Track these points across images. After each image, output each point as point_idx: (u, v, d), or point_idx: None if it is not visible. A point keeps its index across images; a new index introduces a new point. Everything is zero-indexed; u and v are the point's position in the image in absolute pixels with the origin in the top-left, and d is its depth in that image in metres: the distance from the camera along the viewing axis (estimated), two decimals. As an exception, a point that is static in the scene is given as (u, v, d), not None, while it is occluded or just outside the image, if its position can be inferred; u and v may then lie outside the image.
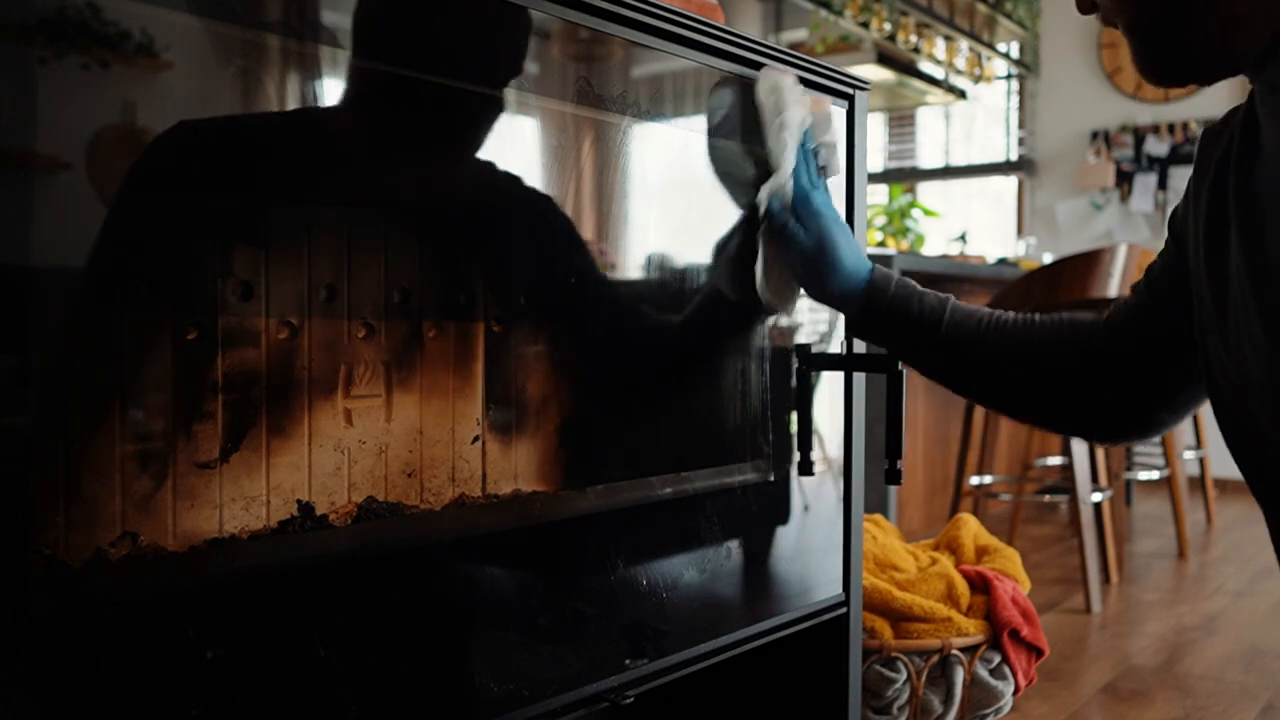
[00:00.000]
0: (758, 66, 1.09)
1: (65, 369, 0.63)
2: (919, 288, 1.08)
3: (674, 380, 1.08)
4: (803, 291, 1.12)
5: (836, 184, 1.21)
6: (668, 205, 1.07)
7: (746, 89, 1.09)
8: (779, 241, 1.08)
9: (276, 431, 0.75)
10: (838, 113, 1.20)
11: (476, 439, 0.89)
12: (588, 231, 0.99)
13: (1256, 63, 0.83)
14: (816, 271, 1.07)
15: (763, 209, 1.08)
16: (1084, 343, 1.03)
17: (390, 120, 0.82)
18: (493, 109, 0.90)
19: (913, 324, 1.07)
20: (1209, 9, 0.84)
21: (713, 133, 1.09)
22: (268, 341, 0.74)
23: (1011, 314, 1.07)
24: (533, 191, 0.93)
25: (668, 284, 1.07)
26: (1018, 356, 1.05)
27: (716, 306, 1.10)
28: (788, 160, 1.07)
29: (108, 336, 0.65)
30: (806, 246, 1.07)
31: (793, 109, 1.07)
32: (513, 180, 0.91)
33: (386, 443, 0.82)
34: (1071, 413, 1.07)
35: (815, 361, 1.19)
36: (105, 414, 0.65)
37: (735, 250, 1.11)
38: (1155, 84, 0.93)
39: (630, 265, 1.04)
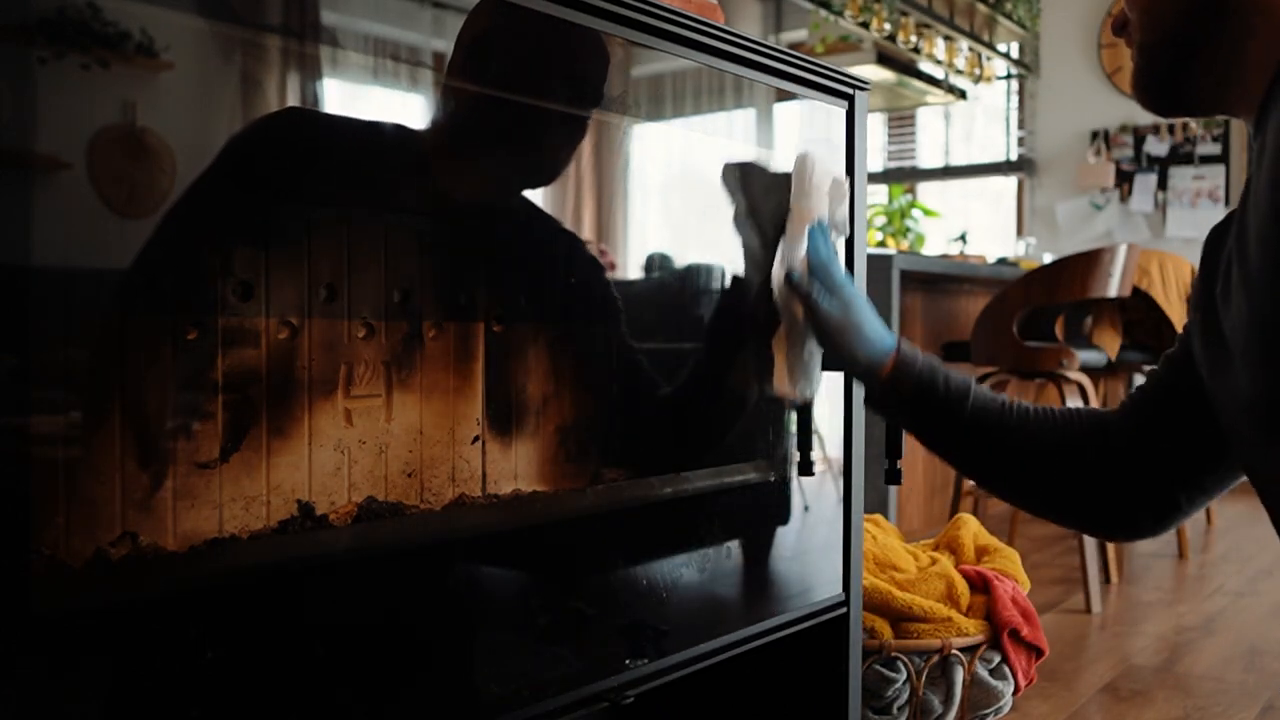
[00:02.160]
0: (758, 67, 1.09)
1: (65, 369, 0.63)
2: (943, 366, 1.06)
3: (674, 380, 1.08)
4: (819, 375, 1.12)
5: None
6: (668, 205, 1.07)
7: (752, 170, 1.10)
8: (806, 310, 1.06)
9: (276, 431, 0.75)
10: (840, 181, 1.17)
11: (476, 439, 0.89)
12: (587, 231, 0.99)
13: (1256, 121, 0.82)
14: (843, 338, 1.05)
15: (780, 278, 1.07)
16: (1101, 431, 1.01)
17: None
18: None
19: (938, 403, 1.04)
20: (1221, 47, 0.83)
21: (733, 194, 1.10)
22: (268, 341, 0.74)
23: (1032, 406, 1.05)
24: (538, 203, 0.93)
25: (668, 284, 1.07)
26: (1040, 448, 1.02)
27: (716, 306, 1.10)
28: (804, 235, 1.08)
29: (108, 336, 0.65)
30: (832, 313, 1.05)
31: (817, 191, 1.09)
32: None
33: (386, 443, 0.82)
34: (1092, 506, 1.03)
35: (815, 361, 1.19)
36: (105, 414, 0.65)
37: (737, 251, 1.11)
38: (1148, 107, 0.91)
39: (630, 265, 1.04)
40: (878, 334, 1.06)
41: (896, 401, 1.06)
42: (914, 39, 4.94)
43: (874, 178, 6.21)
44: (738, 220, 1.10)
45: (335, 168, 0.78)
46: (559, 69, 0.95)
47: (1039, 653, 1.60)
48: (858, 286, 1.11)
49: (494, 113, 0.90)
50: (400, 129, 0.83)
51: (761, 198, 1.10)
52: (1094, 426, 1.02)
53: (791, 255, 1.07)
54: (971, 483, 3.28)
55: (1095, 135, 5.43)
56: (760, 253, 1.11)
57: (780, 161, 1.18)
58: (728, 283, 1.11)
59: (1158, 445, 0.97)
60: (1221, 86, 0.84)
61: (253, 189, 0.73)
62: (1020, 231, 5.90)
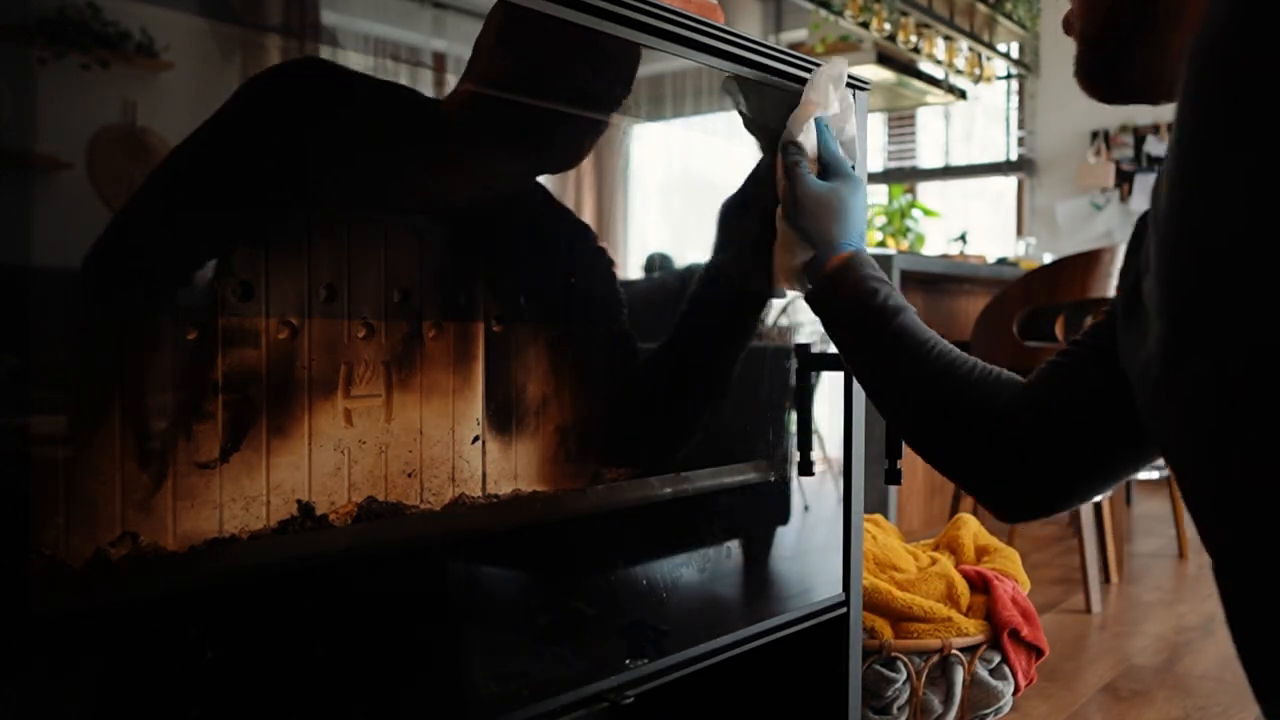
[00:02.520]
0: (758, 67, 1.09)
1: (65, 369, 0.63)
2: (895, 288, 1.04)
3: (674, 380, 1.08)
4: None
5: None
6: (668, 205, 1.07)
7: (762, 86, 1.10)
8: (790, 179, 1.07)
9: (276, 431, 0.75)
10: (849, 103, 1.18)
11: (476, 439, 0.89)
12: (586, 230, 0.99)
13: None
14: (816, 212, 1.05)
15: (780, 146, 1.08)
16: (1009, 395, 0.94)
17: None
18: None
19: (869, 312, 1.00)
20: (1153, 35, 0.82)
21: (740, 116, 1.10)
22: (268, 341, 0.74)
23: (958, 353, 0.99)
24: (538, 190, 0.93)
25: (668, 283, 1.07)
26: (946, 395, 0.96)
27: (716, 306, 1.10)
28: (811, 126, 1.09)
29: (108, 336, 0.65)
30: (816, 187, 1.06)
31: (827, 96, 1.10)
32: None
33: (386, 443, 0.82)
34: (986, 473, 0.96)
35: (815, 361, 1.19)
36: (105, 414, 0.65)
37: (737, 249, 1.11)
38: (1092, 94, 0.89)
39: (631, 265, 1.04)
40: (849, 229, 1.05)
41: (832, 295, 1.03)
42: (914, 39, 4.94)
43: (874, 178, 6.22)
44: (745, 126, 1.10)
45: (352, 125, 0.78)
46: (595, 52, 0.96)
47: (1039, 653, 1.60)
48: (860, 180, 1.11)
49: (522, 90, 0.90)
50: (422, 97, 0.84)
51: (764, 110, 1.11)
52: (1001, 388, 0.95)
53: (798, 130, 1.09)
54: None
55: (1095, 135, 5.43)
56: (754, 192, 1.11)
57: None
58: (718, 271, 1.11)
59: (1068, 420, 0.91)
60: (1157, 73, 0.83)
61: (267, 138, 0.73)
62: (1020, 231, 5.90)
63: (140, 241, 0.67)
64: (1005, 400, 0.93)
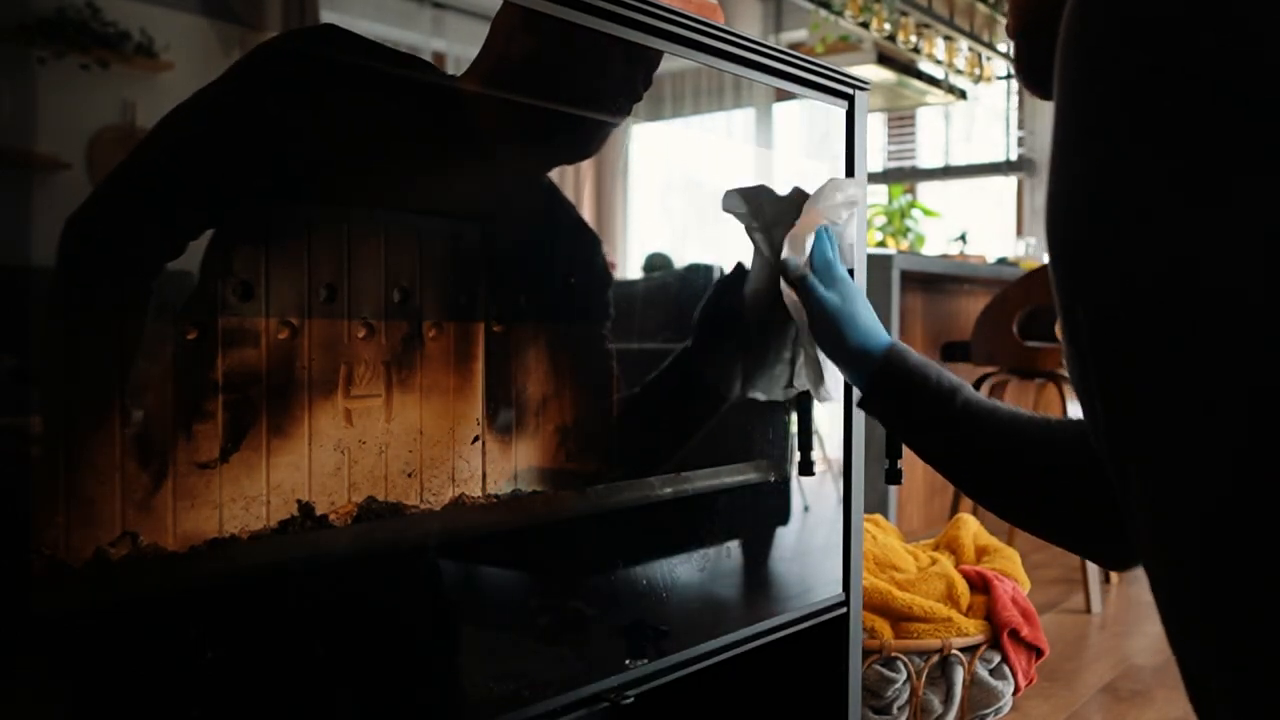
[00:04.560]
0: (758, 67, 1.09)
1: (65, 369, 0.63)
2: (937, 366, 1.04)
3: (674, 380, 1.08)
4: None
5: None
6: (668, 205, 1.07)
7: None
8: (802, 295, 1.06)
9: (276, 431, 0.75)
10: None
11: (476, 439, 0.89)
12: (586, 231, 0.99)
13: None
14: (838, 325, 1.04)
15: (785, 260, 1.07)
16: (1084, 444, 0.92)
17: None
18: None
19: (928, 396, 1.00)
20: None
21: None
22: (268, 341, 0.74)
23: (1024, 410, 0.99)
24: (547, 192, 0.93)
25: (668, 284, 1.07)
26: (1029, 452, 0.95)
27: (716, 306, 1.10)
28: (811, 236, 1.08)
29: (108, 336, 0.65)
30: (827, 300, 1.05)
31: (831, 208, 1.10)
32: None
33: (386, 443, 0.82)
34: (1079, 524, 0.95)
35: (815, 361, 1.19)
36: (105, 414, 0.65)
37: (737, 251, 1.11)
38: (1032, 93, 0.89)
39: (631, 266, 1.04)
40: (873, 327, 1.05)
41: (885, 395, 1.03)
42: (914, 39, 4.94)
43: (874, 178, 6.22)
44: (747, 233, 1.10)
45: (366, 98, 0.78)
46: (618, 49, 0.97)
47: (1039, 653, 1.60)
48: (858, 286, 1.11)
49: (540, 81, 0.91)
50: (440, 73, 0.84)
51: (767, 214, 1.11)
52: (1081, 433, 0.94)
53: (794, 253, 1.08)
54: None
55: (1095, 135, 5.42)
56: (762, 265, 1.11)
57: (779, 167, 1.18)
58: (726, 282, 1.11)
59: None
60: None
61: (268, 121, 0.73)
62: (1020, 231, 5.90)
63: (135, 222, 0.67)
64: (1082, 459, 0.91)
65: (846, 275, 1.09)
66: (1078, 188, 0.55)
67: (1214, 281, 0.50)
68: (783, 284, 1.07)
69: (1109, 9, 0.54)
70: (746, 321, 1.12)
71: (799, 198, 1.10)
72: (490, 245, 0.91)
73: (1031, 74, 0.88)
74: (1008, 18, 0.89)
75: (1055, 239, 0.58)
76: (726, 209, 1.08)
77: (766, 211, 1.09)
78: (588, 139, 0.99)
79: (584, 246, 0.98)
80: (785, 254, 1.08)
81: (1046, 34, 0.84)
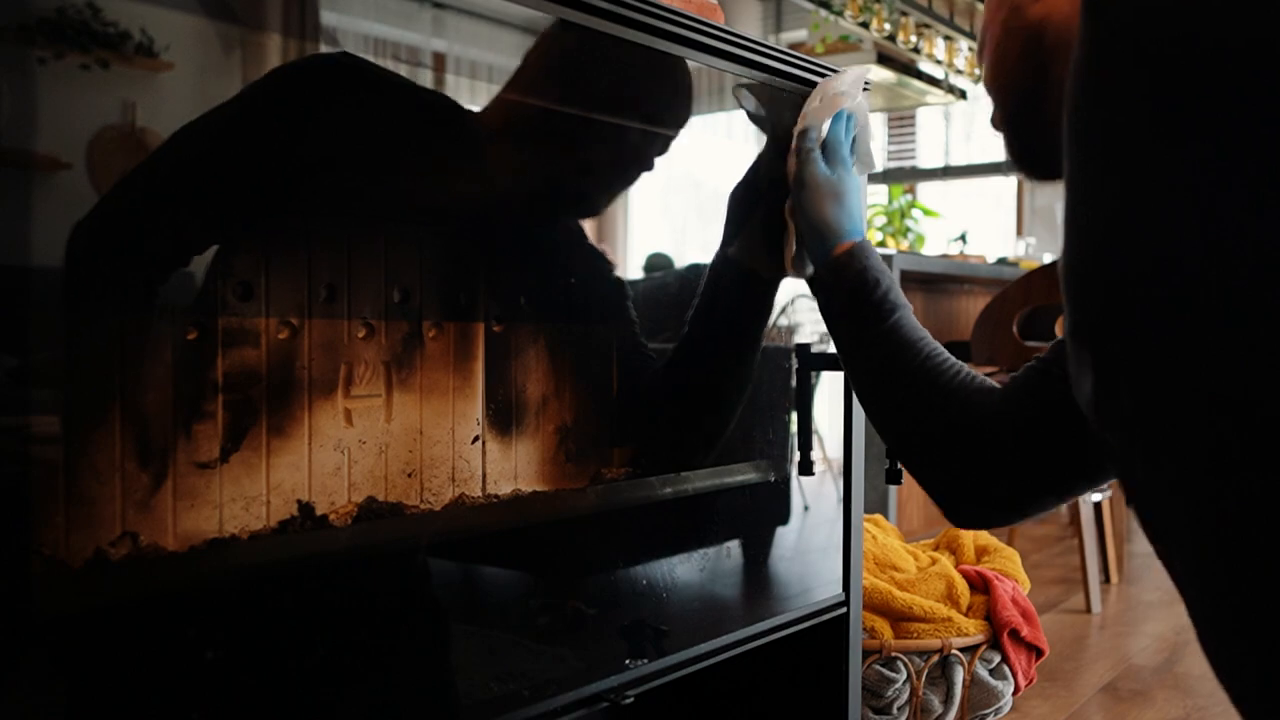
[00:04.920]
0: (758, 67, 1.09)
1: (65, 369, 0.63)
2: (894, 281, 1.05)
3: (674, 380, 1.08)
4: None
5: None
6: (667, 205, 1.07)
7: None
8: (799, 164, 1.08)
9: (276, 431, 0.75)
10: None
11: (476, 439, 0.89)
12: (588, 231, 0.99)
13: None
14: (821, 200, 1.05)
15: (797, 132, 1.09)
16: (982, 405, 0.94)
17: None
18: None
19: (868, 303, 1.00)
20: (1052, 112, 0.85)
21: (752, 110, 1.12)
22: (268, 341, 0.74)
23: (947, 357, 0.99)
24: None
25: (669, 283, 1.07)
26: (924, 391, 0.97)
27: (717, 306, 1.10)
28: (829, 121, 1.10)
29: (108, 336, 0.65)
30: (820, 172, 1.06)
31: (853, 99, 1.11)
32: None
33: (386, 443, 0.82)
34: (941, 474, 0.97)
35: (815, 361, 1.19)
36: (105, 414, 0.65)
37: (745, 237, 1.11)
38: (1032, 179, 0.92)
39: (631, 265, 1.04)
40: (852, 217, 1.06)
41: (834, 283, 1.03)
42: (914, 39, 4.94)
43: (874, 178, 6.22)
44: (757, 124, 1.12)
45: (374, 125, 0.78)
46: (642, 100, 1.00)
47: (1039, 653, 1.60)
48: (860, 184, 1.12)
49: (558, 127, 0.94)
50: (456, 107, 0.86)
51: (773, 109, 1.12)
52: (983, 399, 0.95)
53: (810, 128, 1.10)
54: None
55: (1095, 135, 5.42)
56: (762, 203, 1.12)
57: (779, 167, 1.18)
58: (724, 271, 1.11)
59: (1030, 437, 0.91)
60: None
61: (284, 137, 0.73)
62: (1020, 231, 5.90)
63: (144, 236, 0.67)
64: (977, 410, 0.94)
65: (849, 163, 1.10)
66: (1115, 224, 0.56)
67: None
68: (789, 157, 1.08)
69: (1116, 42, 0.55)
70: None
71: (821, 83, 1.12)
72: (490, 247, 0.91)
73: (1025, 158, 0.91)
74: (996, 114, 0.92)
75: (1097, 321, 0.59)
76: (740, 104, 1.09)
77: (779, 106, 1.10)
78: (595, 204, 1.02)
79: (589, 254, 0.98)
80: (800, 127, 1.09)
81: (1032, 116, 0.86)
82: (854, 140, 1.12)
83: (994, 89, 0.93)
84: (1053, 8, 0.86)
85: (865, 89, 1.17)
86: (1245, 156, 0.50)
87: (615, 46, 0.94)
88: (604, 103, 0.97)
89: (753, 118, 1.11)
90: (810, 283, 1.08)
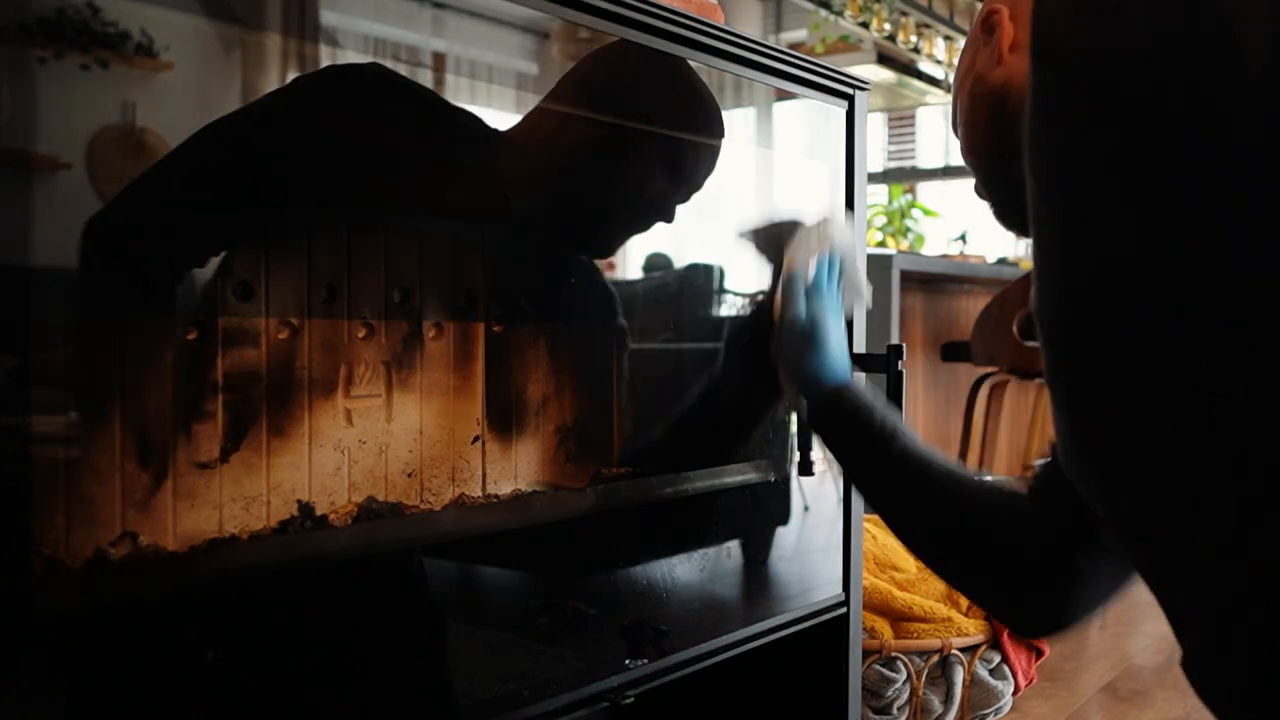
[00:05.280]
0: (758, 67, 1.09)
1: (65, 369, 0.63)
2: (884, 407, 1.03)
3: (674, 380, 1.08)
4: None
5: (836, 184, 1.21)
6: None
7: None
8: (784, 308, 1.06)
9: (276, 431, 0.75)
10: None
11: (476, 439, 0.89)
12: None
13: None
14: (806, 344, 1.04)
15: (782, 277, 1.08)
16: (1010, 515, 0.92)
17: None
18: None
19: (874, 431, 0.99)
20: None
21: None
22: (268, 341, 0.74)
23: (962, 471, 0.98)
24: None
25: (668, 284, 1.07)
26: (964, 508, 0.94)
27: (717, 307, 1.10)
28: (814, 259, 1.09)
29: (108, 336, 0.65)
30: (800, 317, 1.05)
31: (840, 235, 1.11)
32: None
33: (386, 443, 0.82)
34: (997, 585, 0.94)
35: (815, 361, 1.19)
36: (105, 414, 0.65)
37: (739, 251, 1.11)
38: (1020, 233, 0.92)
39: (631, 266, 1.04)
40: (839, 359, 1.05)
41: (832, 423, 1.02)
42: (914, 39, 4.94)
43: (874, 178, 6.22)
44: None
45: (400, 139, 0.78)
46: (667, 167, 1.01)
47: (1039, 653, 1.60)
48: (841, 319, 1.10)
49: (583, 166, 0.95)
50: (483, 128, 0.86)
51: (780, 243, 1.13)
52: (1009, 507, 0.93)
53: (797, 269, 1.09)
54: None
55: (1095, 135, 5.42)
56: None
57: (779, 167, 1.18)
58: (731, 295, 1.12)
59: (1063, 541, 0.87)
60: None
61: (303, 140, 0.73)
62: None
63: (160, 235, 0.67)
64: (1007, 522, 0.91)
65: (836, 305, 1.08)
66: (1098, 268, 0.57)
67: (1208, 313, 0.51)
68: (776, 295, 1.07)
69: (1073, 95, 0.56)
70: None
71: (807, 226, 1.12)
72: (490, 247, 0.91)
73: (1010, 219, 0.91)
74: (977, 182, 0.93)
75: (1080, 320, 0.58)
76: (743, 238, 1.10)
77: (779, 239, 1.10)
78: (609, 243, 1.03)
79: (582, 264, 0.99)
80: (785, 272, 1.08)
81: (1006, 178, 0.87)
82: (842, 274, 1.11)
83: (970, 157, 0.94)
84: (1013, 71, 0.87)
85: (853, 86, 1.17)
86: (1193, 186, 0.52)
87: (662, 96, 0.94)
88: (636, 152, 0.98)
89: (761, 253, 1.12)
90: (812, 420, 1.06)
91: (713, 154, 1.07)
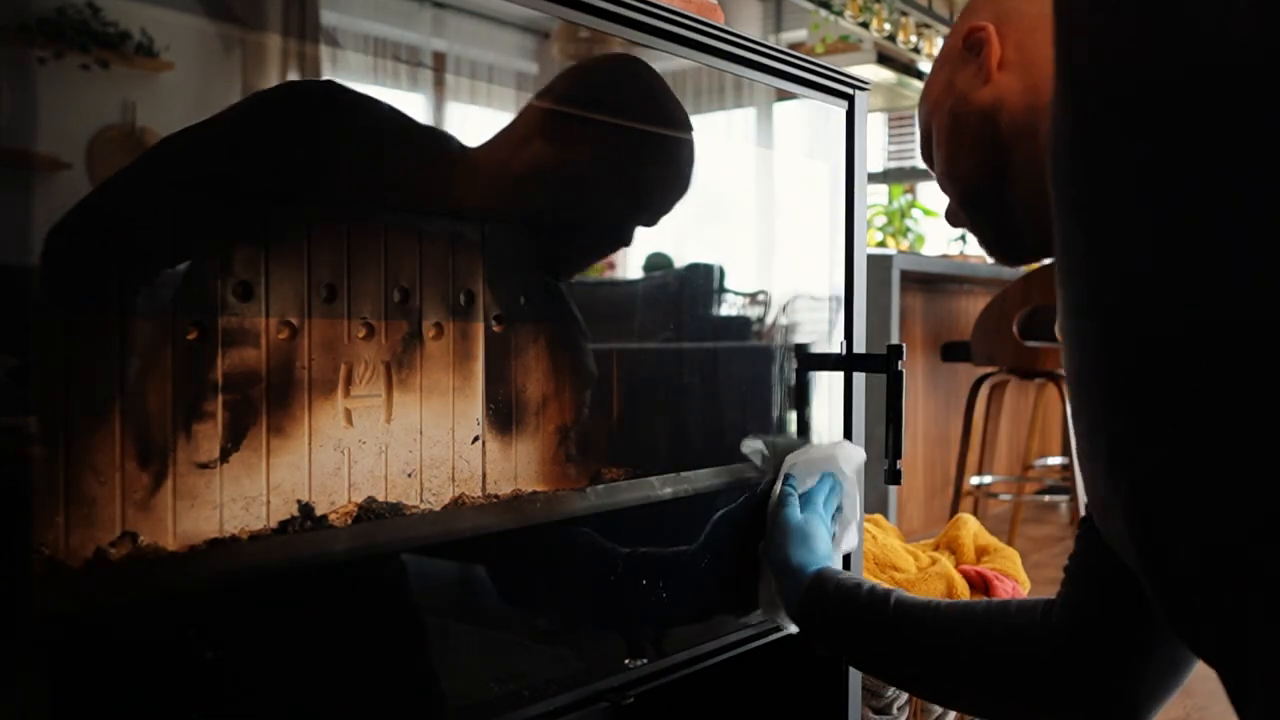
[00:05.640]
0: (758, 67, 1.09)
1: (65, 369, 0.63)
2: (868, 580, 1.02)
3: (674, 380, 1.08)
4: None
5: (836, 184, 1.21)
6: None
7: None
8: (774, 506, 1.09)
9: (276, 431, 0.75)
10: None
11: (476, 439, 0.89)
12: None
13: None
14: (787, 540, 1.05)
15: (781, 474, 1.12)
16: (1033, 634, 0.88)
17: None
18: None
19: (861, 604, 0.96)
20: (1019, 194, 0.82)
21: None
22: (268, 341, 0.74)
23: (964, 603, 0.95)
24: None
25: (668, 284, 1.07)
26: (976, 644, 0.90)
27: (717, 307, 1.10)
28: (816, 477, 1.12)
29: (108, 336, 0.65)
30: (791, 517, 1.06)
31: (849, 465, 1.14)
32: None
33: (386, 443, 0.82)
34: (1045, 711, 0.89)
35: (815, 361, 1.19)
36: (105, 414, 0.65)
37: (737, 251, 1.11)
38: (1007, 264, 0.90)
39: (631, 266, 1.04)
40: (819, 556, 1.04)
41: (819, 608, 0.99)
42: (914, 39, 4.95)
43: (874, 178, 6.22)
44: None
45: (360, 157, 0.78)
46: (640, 180, 0.98)
47: (1039, 653, 1.59)
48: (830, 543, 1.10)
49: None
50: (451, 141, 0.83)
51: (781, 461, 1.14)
52: (1032, 614, 0.89)
53: (795, 479, 1.12)
54: (974, 481, 3.27)
55: (1095, 135, 5.42)
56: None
57: (779, 167, 1.18)
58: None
59: (1101, 644, 0.84)
60: (1043, 225, 0.75)
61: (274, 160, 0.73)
62: (1020, 231, 5.88)
63: (111, 247, 0.67)
64: (1034, 642, 0.87)
65: (825, 517, 1.10)
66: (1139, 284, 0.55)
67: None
68: (773, 495, 1.10)
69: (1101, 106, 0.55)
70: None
71: (822, 445, 1.16)
72: (489, 247, 0.91)
73: (997, 245, 0.89)
74: (954, 208, 0.90)
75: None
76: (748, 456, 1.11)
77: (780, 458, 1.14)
78: (569, 267, 0.98)
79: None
80: (784, 469, 1.11)
81: (996, 203, 0.85)
82: (839, 505, 1.13)
83: (950, 182, 0.90)
84: (1004, 90, 0.84)
85: (852, 86, 1.17)
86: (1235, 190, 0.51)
87: (618, 128, 0.93)
88: (598, 175, 0.96)
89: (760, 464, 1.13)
90: (797, 611, 1.03)
91: (680, 180, 1.03)
